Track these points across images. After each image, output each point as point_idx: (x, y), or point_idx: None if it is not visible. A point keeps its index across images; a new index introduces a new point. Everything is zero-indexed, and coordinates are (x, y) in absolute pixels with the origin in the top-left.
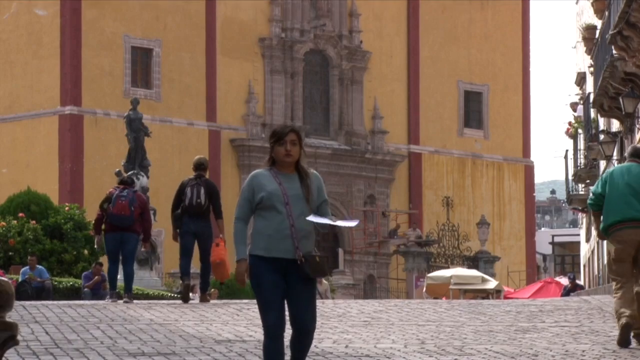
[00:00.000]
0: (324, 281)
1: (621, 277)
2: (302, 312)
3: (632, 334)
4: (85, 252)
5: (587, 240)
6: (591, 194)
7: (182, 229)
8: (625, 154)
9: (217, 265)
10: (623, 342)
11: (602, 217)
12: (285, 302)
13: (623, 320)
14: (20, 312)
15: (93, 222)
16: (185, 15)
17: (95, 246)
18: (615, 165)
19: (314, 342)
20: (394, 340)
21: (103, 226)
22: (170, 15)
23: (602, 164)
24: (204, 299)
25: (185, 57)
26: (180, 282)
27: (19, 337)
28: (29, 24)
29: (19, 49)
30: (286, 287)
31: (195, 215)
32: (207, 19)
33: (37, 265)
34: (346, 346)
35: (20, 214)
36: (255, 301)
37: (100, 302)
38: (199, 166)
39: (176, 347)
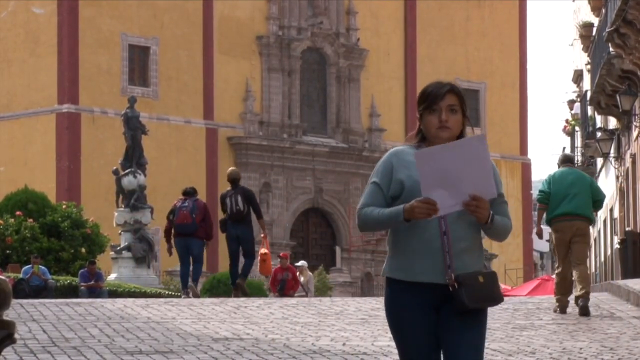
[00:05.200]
0: (308, 272)
1: (562, 259)
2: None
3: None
4: (83, 250)
5: None
6: (539, 191)
7: (227, 235)
8: (557, 162)
9: (262, 259)
10: (564, 311)
11: (545, 212)
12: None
13: (558, 306)
14: (17, 310)
15: (163, 232)
16: (183, 14)
17: (168, 252)
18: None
19: (311, 340)
20: (391, 338)
21: (172, 232)
22: (167, 14)
23: (599, 161)
24: (242, 282)
25: (183, 55)
26: (233, 289)
27: (16, 336)
28: (27, 23)
29: (17, 47)
30: (440, 323)
31: (237, 220)
32: (205, 17)
33: (40, 266)
34: (344, 344)
35: (18, 212)
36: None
37: (97, 300)
38: (233, 180)
39: (174, 345)
